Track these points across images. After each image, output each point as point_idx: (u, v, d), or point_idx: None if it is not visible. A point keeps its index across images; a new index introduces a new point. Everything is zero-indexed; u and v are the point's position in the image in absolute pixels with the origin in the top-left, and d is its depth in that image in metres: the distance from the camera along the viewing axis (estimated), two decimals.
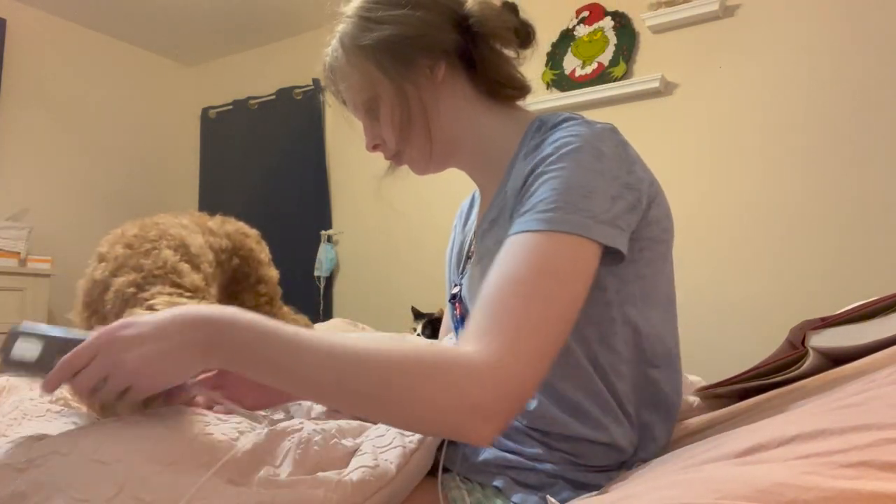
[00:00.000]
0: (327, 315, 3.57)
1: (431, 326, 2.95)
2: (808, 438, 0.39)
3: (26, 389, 1.35)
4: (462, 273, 0.91)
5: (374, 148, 0.90)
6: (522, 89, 0.87)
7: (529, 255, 0.60)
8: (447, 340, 0.98)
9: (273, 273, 1.42)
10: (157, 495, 0.54)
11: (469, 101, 0.85)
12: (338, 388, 0.56)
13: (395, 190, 3.97)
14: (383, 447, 0.70)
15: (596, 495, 0.54)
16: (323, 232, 3.72)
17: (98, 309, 1.08)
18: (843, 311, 0.84)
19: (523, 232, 0.62)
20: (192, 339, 0.59)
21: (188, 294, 1.08)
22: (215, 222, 1.30)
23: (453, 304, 0.92)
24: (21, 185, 3.52)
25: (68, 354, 0.60)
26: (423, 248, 3.43)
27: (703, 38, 2.64)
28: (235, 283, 1.39)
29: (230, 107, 4.18)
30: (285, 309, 1.49)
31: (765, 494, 0.35)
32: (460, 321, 0.90)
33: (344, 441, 0.71)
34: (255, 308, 1.41)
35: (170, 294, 1.04)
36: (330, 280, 3.71)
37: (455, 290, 0.91)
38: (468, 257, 0.91)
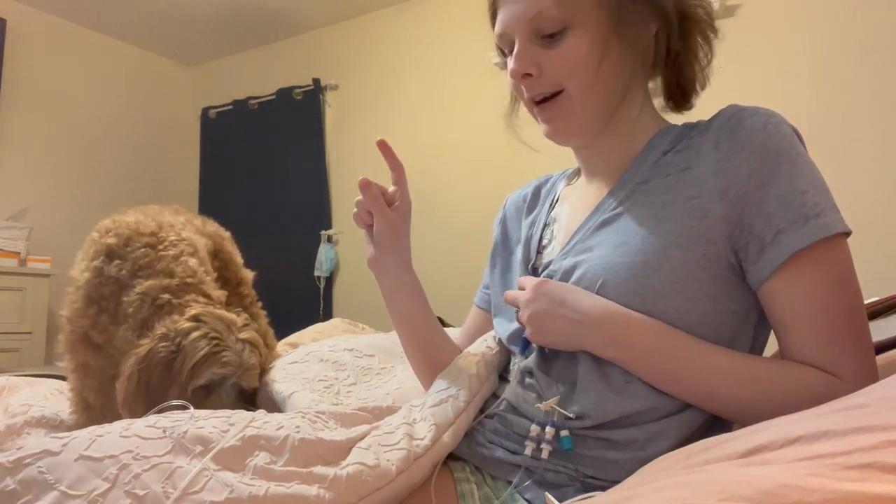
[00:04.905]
0: (327, 315, 3.56)
1: None
2: (812, 439, 0.39)
3: (25, 387, 1.35)
4: (535, 269, 0.84)
5: (524, 77, 0.75)
6: (689, 101, 0.81)
7: (838, 268, 0.65)
8: (478, 341, 0.92)
9: (249, 274, 1.43)
10: (151, 489, 0.54)
11: (644, 87, 0.79)
12: (715, 393, 0.65)
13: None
14: (388, 446, 0.68)
15: (597, 495, 0.54)
16: (323, 232, 3.72)
17: (107, 306, 1.06)
18: None
19: (813, 245, 0.64)
20: (581, 319, 0.69)
21: (218, 306, 1.08)
22: (199, 222, 1.29)
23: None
24: (21, 185, 3.52)
25: (522, 278, 0.78)
26: (423, 249, 3.43)
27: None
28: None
29: (230, 107, 4.18)
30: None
31: (768, 496, 0.34)
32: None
33: (341, 428, 0.70)
34: (242, 310, 1.41)
35: (204, 305, 1.04)
36: (330, 280, 3.71)
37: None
38: (538, 251, 0.85)
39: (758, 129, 0.69)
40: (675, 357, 0.66)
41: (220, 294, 1.14)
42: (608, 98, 0.75)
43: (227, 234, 1.40)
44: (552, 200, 0.90)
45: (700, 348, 0.66)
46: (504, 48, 0.78)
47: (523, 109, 0.86)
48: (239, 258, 1.40)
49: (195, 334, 0.97)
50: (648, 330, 0.66)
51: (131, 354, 0.98)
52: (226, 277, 1.33)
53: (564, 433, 0.69)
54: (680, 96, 0.81)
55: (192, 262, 1.10)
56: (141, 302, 1.04)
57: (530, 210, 0.93)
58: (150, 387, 0.95)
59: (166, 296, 1.04)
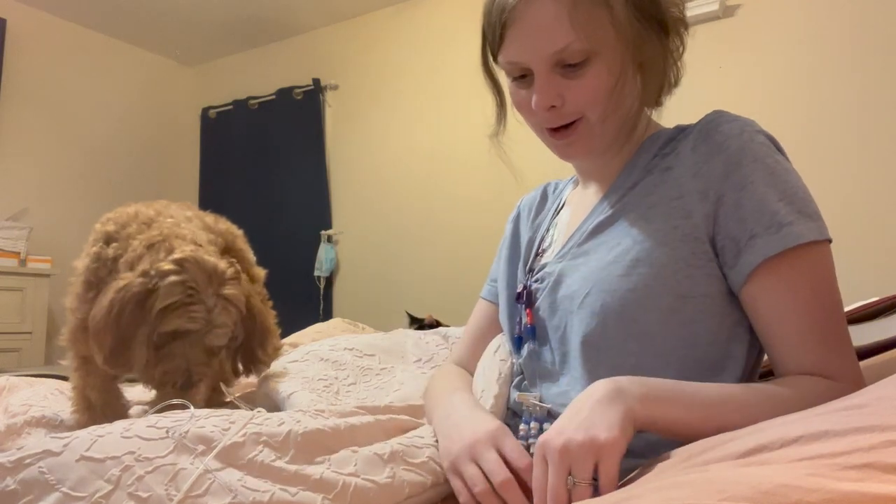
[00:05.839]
0: (327, 315, 3.56)
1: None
2: (811, 439, 0.39)
3: (25, 387, 1.35)
4: (534, 269, 0.83)
5: (548, 109, 0.73)
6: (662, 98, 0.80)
7: (823, 272, 0.66)
8: (493, 349, 0.89)
9: (261, 272, 1.42)
10: (154, 491, 0.54)
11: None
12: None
13: (396, 189, 3.94)
14: (410, 464, 0.66)
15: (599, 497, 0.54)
16: (323, 232, 3.72)
17: (101, 287, 1.05)
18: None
19: (793, 248, 0.64)
20: (599, 396, 0.57)
21: (212, 248, 1.07)
22: (210, 219, 1.29)
23: (521, 304, 0.82)
24: (21, 185, 3.52)
25: (535, 479, 0.56)
26: (424, 248, 3.43)
27: (703, 38, 2.64)
28: None
29: (230, 107, 4.18)
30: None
31: (768, 496, 0.34)
32: (531, 331, 0.78)
33: (345, 419, 0.69)
34: (237, 261, 1.40)
35: (193, 249, 1.03)
36: (330, 280, 3.71)
37: (521, 289, 0.82)
38: (538, 254, 0.86)
39: (734, 135, 0.70)
40: (696, 394, 0.61)
41: (212, 249, 1.12)
42: (624, 119, 0.76)
43: (239, 232, 1.40)
44: (558, 205, 0.92)
45: (708, 386, 0.62)
46: (512, 73, 0.76)
47: (510, 128, 0.86)
48: (251, 255, 1.39)
49: (173, 278, 0.95)
50: (655, 379, 0.62)
51: (112, 286, 0.96)
52: None
53: (546, 426, 0.70)
54: (656, 94, 0.80)
55: (186, 228, 1.10)
56: (138, 249, 1.03)
57: (538, 212, 0.95)
58: (121, 320, 0.94)
59: (155, 242, 1.02)
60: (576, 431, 0.54)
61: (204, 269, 0.99)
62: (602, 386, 0.58)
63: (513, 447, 0.63)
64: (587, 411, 0.56)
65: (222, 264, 1.02)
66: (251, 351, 1.08)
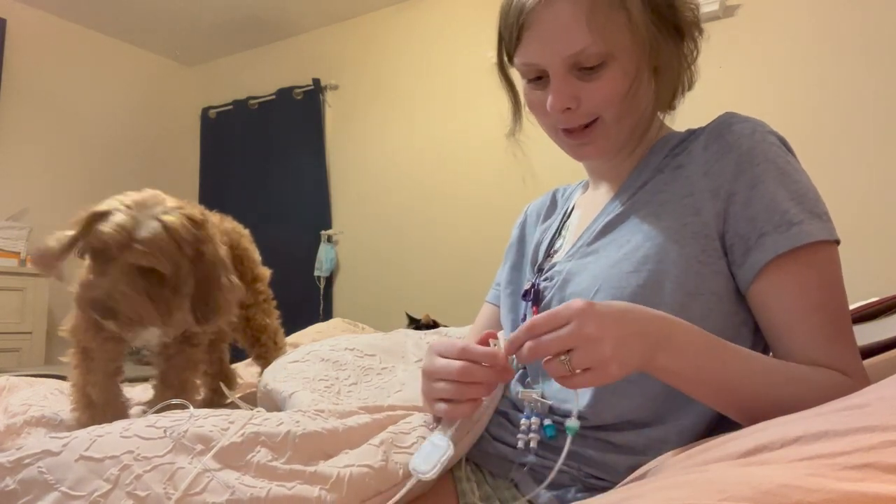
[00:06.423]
0: (327, 315, 3.56)
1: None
2: (812, 439, 0.39)
3: (25, 387, 1.35)
4: (543, 268, 0.83)
5: (565, 111, 0.74)
6: (674, 102, 0.81)
7: (832, 270, 0.66)
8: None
9: (266, 272, 1.42)
10: (152, 490, 0.54)
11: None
12: (758, 395, 0.60)
13: (396, 189, 3.93)
14: (400, 448, 0.67)
15: (600, 497, 0.54)
16: (323, 232, 3.72)
17: None
18: None
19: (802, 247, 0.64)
20: (647, 330, 0.57)
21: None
22: (216, 219, 1.29)
23: (527, 301, 0.81)
24: (21, 185, 3.52)
25: (541, 316, 0.56)
26: (424, 248, 3.43)
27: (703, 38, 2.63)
28: None
29: (230, 107, 4.18)
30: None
31: (768, 496, 0.34)
32: None
33: (344, 420, 0.69)
34: (255, 306, 1.41)
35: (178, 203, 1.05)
36: (330, 280, 3.71)
37: (528, 287, 0.82)
38: (548, 255, 0.86)
39: (746, 135, 0.71)
40: (724, 354, 0.61)
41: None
42: (639, 120, 0.77)
43: (245, 232, 1.40)
44: (567, 209, 0.92)
45: (739, 347, 0.62)
46: (527, 75, 0.76)
47: (526, 125, 0.87)
48: (256, 255, 1.40)
49: (118, 198, 0.98)
50: (695, 329, 0.60)
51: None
52: (241, 273, 1.33)
53: (547, 422, 0.70)
54: (669, 98, 0.81)
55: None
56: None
57: (547, 216, 0.96)
58: (76, 239, 0.97)
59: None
60: (610, 340, 0.54)
61: (158, 200, 1.00)
62: (656, 323, 0.58)
63: (444, 345, 0.65)
64: (627, 330, 0.55)
65: (190, 208, 1.04)
66: (202, 297, 1.07)
